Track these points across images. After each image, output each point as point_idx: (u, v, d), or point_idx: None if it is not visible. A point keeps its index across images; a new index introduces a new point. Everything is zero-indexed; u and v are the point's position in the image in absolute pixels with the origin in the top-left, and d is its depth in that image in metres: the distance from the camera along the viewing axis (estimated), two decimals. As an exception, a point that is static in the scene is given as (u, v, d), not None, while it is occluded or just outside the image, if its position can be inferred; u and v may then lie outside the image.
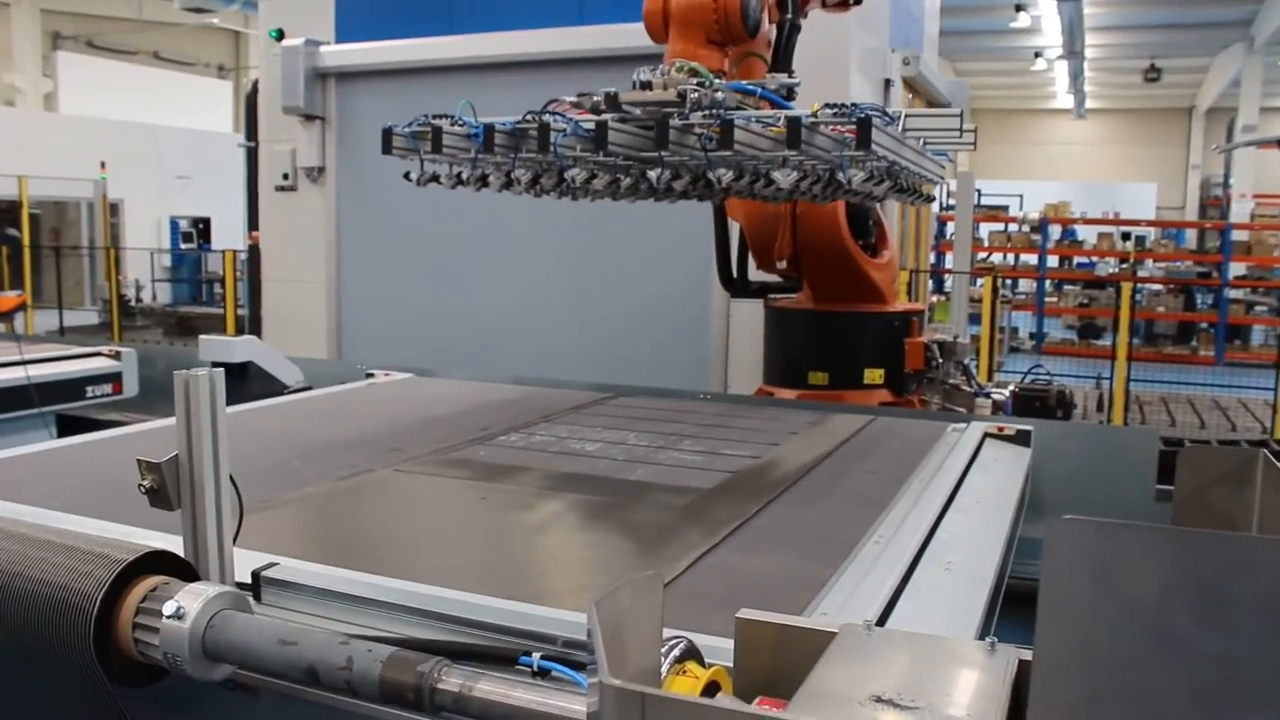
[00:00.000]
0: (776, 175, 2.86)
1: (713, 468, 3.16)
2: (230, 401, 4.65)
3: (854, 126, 2.69)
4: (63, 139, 18.54)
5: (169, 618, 1.65)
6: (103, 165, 18.14)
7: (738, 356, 6.38)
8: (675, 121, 2.79)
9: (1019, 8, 21.62)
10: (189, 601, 1.67)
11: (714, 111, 2.78)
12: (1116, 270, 20.31)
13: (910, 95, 7.51)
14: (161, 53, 26.76)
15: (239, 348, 5.09)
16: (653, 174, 2.97)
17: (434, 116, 3.15)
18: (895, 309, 4.48)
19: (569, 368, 5.94)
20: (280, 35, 8.00)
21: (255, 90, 8.63)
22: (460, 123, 3.10)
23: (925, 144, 3.35)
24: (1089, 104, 33.49)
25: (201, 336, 5.37)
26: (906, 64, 6.86)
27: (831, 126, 2.75)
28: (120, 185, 19.86)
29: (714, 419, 4.02)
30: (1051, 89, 32.86)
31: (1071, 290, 20.99)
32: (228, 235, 18.31)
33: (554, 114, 3.01)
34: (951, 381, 4.49)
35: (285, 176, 8.27)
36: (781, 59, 3.71)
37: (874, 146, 2.70)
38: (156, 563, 1.76)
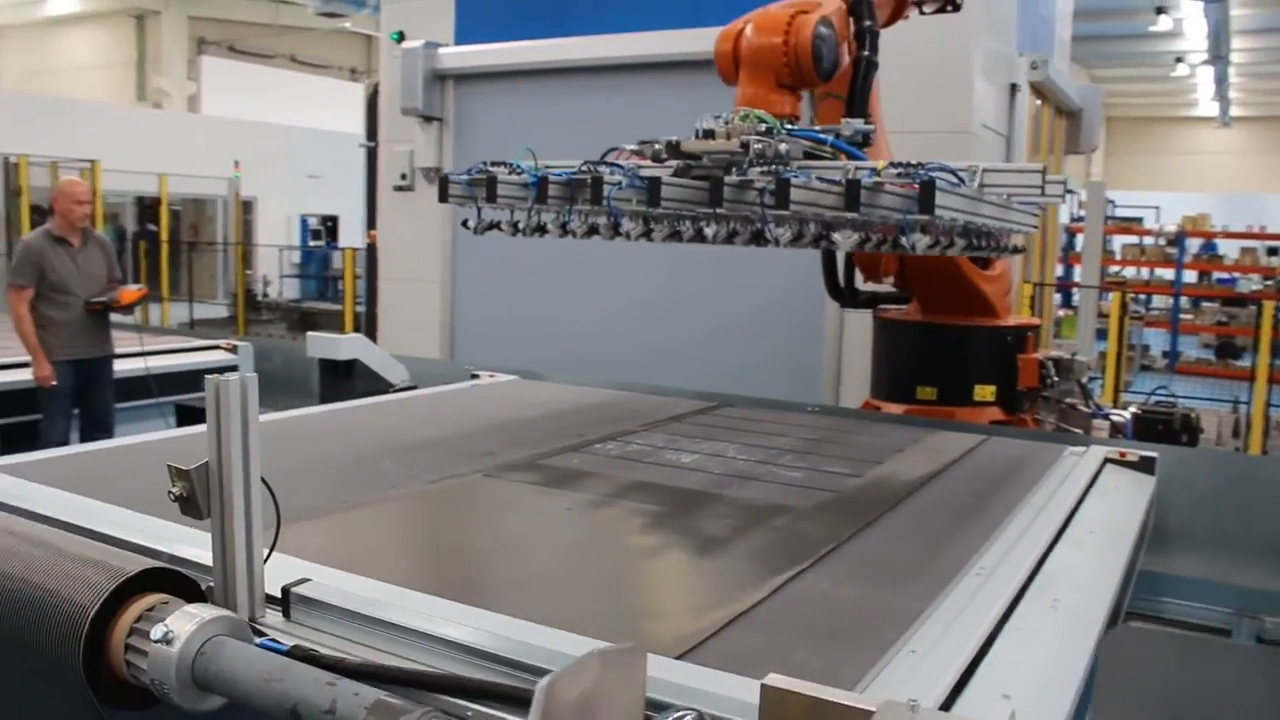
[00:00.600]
0: (837, 237, 2.73)
1: (812, 485, 3.03)
2: (334, 399, 4.77)
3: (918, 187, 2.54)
4: (202, 139, 19.29)
5: (157, 641, 1.56)
6: (236, 164, 18.79)
7: (851, 368, 6.21)
8: (730, 178, 2.69)
9: (1160, 10, 20.66)
10: (180, 625, 1.57)
11: (772, 167, 2.68)
12: (1260, 288, 19.25)
13: (1038, 101, 7.22)
14: (298, 56, 27.64)
15: (345, 345, 5.14)
16: (709, 230, 2.86)
17: (492, 164, 3.11)
18: (1008, 323, 4.28)
19: (678, 375, 5.86)
20: (401, 37, 8.12)
21: (376, 92, 8.79)
22: (518, 170, 3.05)
23: (1009, 198, 3.10)
24: (1234, 111, 31.90)
25: (310, 334, 5.45)
26: (1034, 68, 6.58)
27: (898, 185, 2.60)
28: (255, 183, 20.56)
29: (818, 433, 3.89)
30: (1193, 95, 31.37)
31: (1210, 307, 19.99)
32: (354, 233, 18.77)
33: (611, 164, 2.96)
34: (1069, 401, 4.25)
35: (403, 176, 8.40)
36: (857, 101, 3.51)
37: (938, 211, 2.55)
38: (165, 579, 1.68)
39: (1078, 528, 2.87)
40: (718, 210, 2.76)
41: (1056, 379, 4.20)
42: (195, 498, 1.64)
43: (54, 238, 5.73)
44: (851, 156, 3.12)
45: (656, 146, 2.96)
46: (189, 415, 6.17)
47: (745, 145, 2.77)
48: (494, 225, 3.19)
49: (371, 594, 1.91)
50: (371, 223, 9.11)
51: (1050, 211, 8.28)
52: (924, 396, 4.24)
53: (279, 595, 1.85)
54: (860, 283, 4.71)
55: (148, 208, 18.85)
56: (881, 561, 2.39)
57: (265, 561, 1.80)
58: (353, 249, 13.14)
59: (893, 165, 2.62)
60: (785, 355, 6.54)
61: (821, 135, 3.05)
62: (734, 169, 2.75)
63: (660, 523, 2.65)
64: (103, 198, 15.08)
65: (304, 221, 22.45)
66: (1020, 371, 4.19)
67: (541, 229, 3.08)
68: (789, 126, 3.12)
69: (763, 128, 2.92)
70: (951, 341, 4.14)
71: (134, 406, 5.94)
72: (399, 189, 8.48)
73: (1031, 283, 7.44)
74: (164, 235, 16.86)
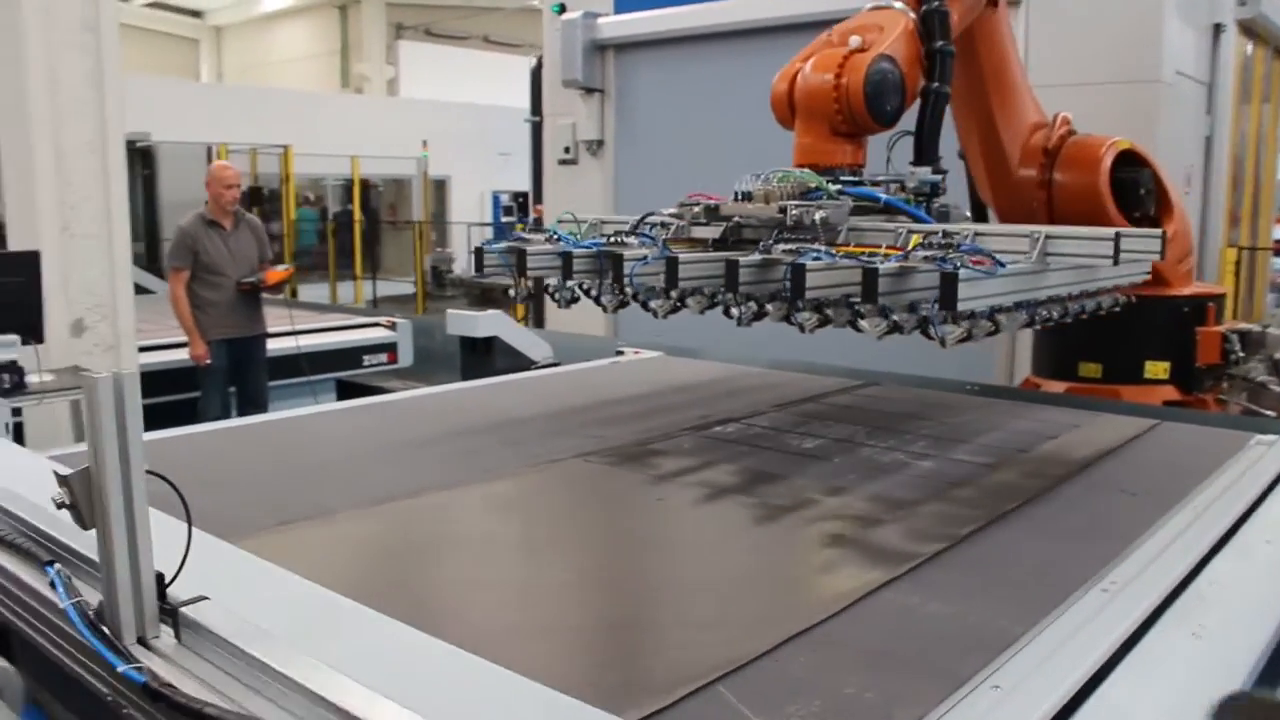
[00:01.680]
0: (864, 324, 2.45)
1: (941, 474, 2.73)
2: (472, 376, 4.73)
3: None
4: (393, 121, 19.98)
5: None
6: (424, 143, 19.35)
7: (1028, 341, 5.74)
8: (749, 257, 2.54)
9: None
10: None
11: (800, 242, 2.51)
12: None
13: (1249, 42, 6.45)
14: (491, 36, 28.27)
15: (483, 323, 5.10)
16: (735, 311, 2.67)
17: (531, 229, 3.19)
18: (1184, 292, 3.78)
19: (847, 350, 5.56)
20: (562, 9, 8.05)
21: (539, 65, 8.76)
22: (554, 238, 2.94)
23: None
24: None
25: (449, 311, 5.45)
26: (1243, 4, 5.87)
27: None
28: (448, 162, 21.17)
29: (966, 414, 3.54)
30: None
31: None
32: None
33: (642, 235, 2.81)
34: (1259, 379, 3.72)
35: (566, 150, 8.35)
36: (925, 144, 3.14)
37: (966, 303, 2.28)
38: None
39: (1250, 534, 2.44)
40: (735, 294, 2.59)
41: (1242, 355, 3.68)
42: (79, 505, 1.49)
43: (207, 221, 5.96)
44: (912, 217, 2.88)
45: (695, 209, 2.81)
46: (348, 391, 6.34)
47: (784, 210, 2.59)
48: (530, 296, 3.03)
49: (287, 618, 1.64)
50: (538, 197, 9.12)
51: (1266, 166, 7.44)
52: (1087, 374, 3.82)
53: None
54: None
55: (346, 190, 19.71)
56: (991, 571, 2.08)
57: (178, 571, 1.61)
58: (523, 224, 13.30)
59: (923, 244, 2.40)
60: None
61: (875, 194, 2.83)
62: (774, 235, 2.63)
63: (751, 518, 2.41)
64: (294, 180, 15.83)
65: (495, 198, 22.97)
66: (1199, 346, 3.70)
67: (574, 300, 2.92)
68: (847, 178, 2.92)
69: (809, 185, 2.76)
70: (1117, 313, 3.68)
71: (291, 384, 6.13)
72: (563, 162, 8.44)
73: (1239, 247, 6.68)
74: (357, 214, 17.55)
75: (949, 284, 2.25)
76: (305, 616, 1.70)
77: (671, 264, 2.58)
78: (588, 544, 2.31)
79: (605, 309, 2.85)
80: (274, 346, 6.15)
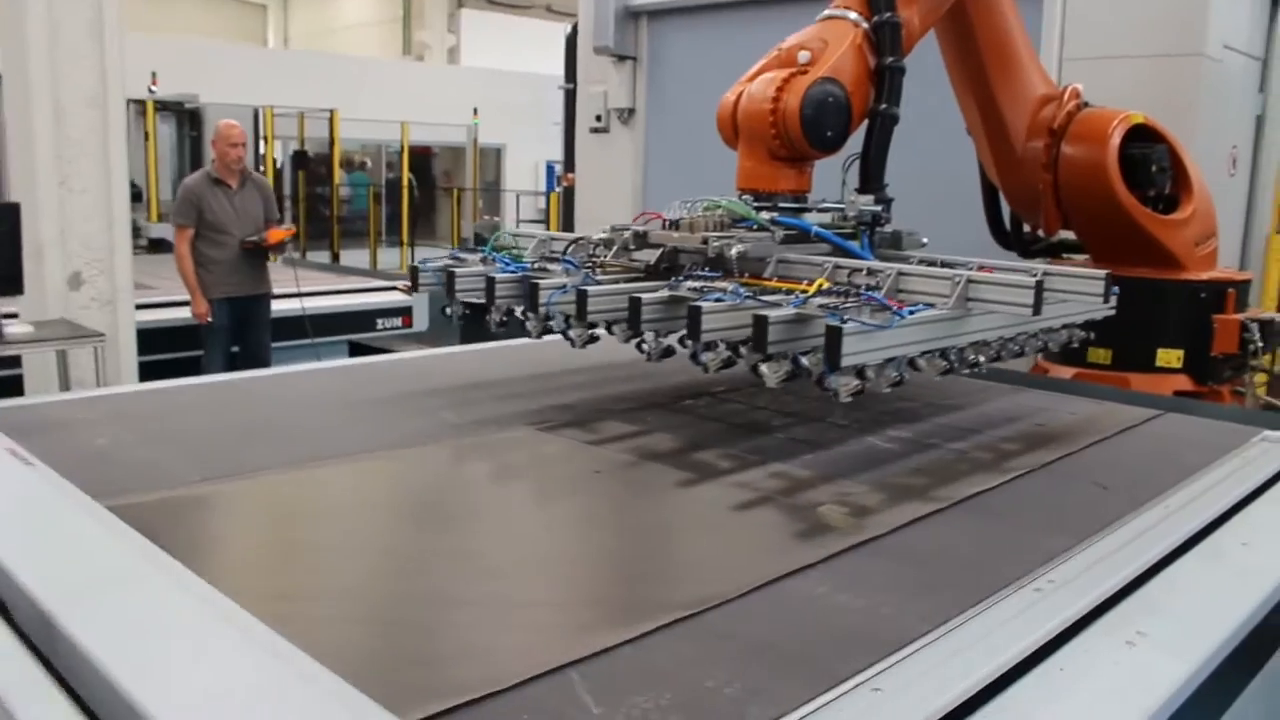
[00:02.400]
0: (764, 369, 2.30)
1: (900, 457, 2.58)
2: (471, 340, 4.63)
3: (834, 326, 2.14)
4: (450, 88, 19.98)
5: None
6: (475, 111, 19.30)
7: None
8: (652, 295, 2.47)
9: None
10: None
11: (701, 285, 2.45)
12: None
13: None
14: (553, 6, 28.13)
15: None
16: (647, 345, 2.63)
17: (469, 248, 3.00)
18: (1201, 277, 3.55)
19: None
20: (595, -27, 7.90)
21: (575, 31, 8.62)
22: (492, 259, 2.93)
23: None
24: None
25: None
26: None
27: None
28: (502, 131, 21.13)
29: (958, 396, 3.36)
30: None
31: None
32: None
33: (565, 261, 2.79)
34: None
35: (598, 118, 8.22)
36: (872, 169, 2.96)
37: (850, 358, 2.14)
38: None
39: (1227, 536, 2.26)
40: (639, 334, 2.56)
41: (1262, 345, 3.45)
42: None
43: (213, 179, 5.95)
44: (843, 251, 2.77)
45: (625, 234, 2.75)
46: (359, 354, 6.31)
47: (705, 241, 2.53)
48: (465, 314, 2.95)
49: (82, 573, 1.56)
50: (569, 165, 9.00)
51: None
52: (1096, 359, 3.61)
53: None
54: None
55: (409, 155, 19.78)
56: (921, 563, 1.92)
57: None
58: (558, 191, 13.21)
59: (824, 291, 2.29)
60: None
61: (806, 225, 2.74)
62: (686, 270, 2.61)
63: (668, 493, 2.29)
64: (340, 145, 15.87)
65: (550, 167, 22.91)
66: (1215, 334, 3.48)
67: (503, 324, 2.84)
68: (787, 204, 2.85)
69: (737, 215, 2.71)
70: (1127, 296, 3.47)
71: (301, 345, 6.11)
72: (594, 131, 8.32)
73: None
74: (405, 180, 17.58)
75: (833, 339, 2.11)
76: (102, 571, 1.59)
77: (581, 295, 2.54)
78: (488, 515, 2.20)
79: (531, 334, 2.78)
80: (285, 308, 6.15)
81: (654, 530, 2.14)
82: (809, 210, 2.93)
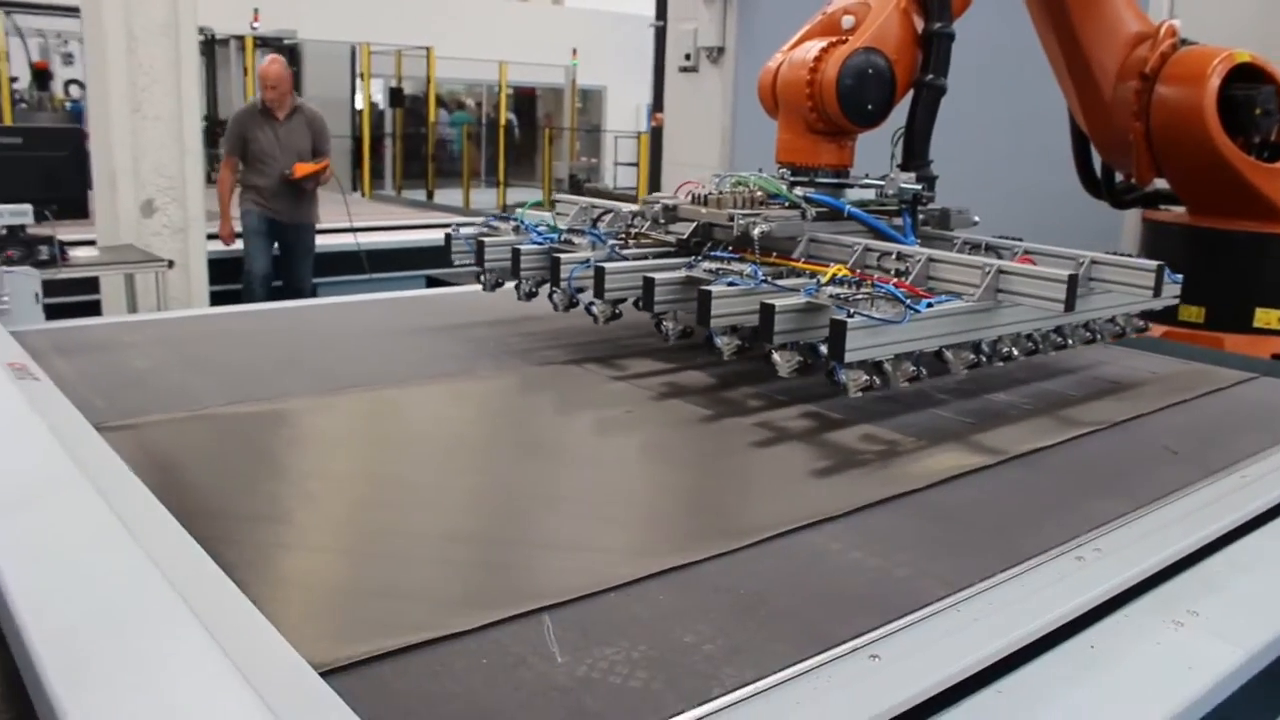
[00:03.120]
0: (776, 357, 2.17)
1: (958, 411, 2.41)
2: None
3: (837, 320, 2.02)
4: (549, 28, 19.83)
5: None
6: (574, 52, 19.13)
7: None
8: (668, 275, 2.40)
9: None
10: None
11: (717, 268, 2.35)
12: None
13: None
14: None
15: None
16: (666, 324, 2.56)
17: (499, 217, 3.04)
18: (1309, 231, 3.26)
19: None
20: (689, -94, 7.66)
21: (666, -34, 8.40)
22: (524, 227, 2.89)
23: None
24: None
25: (519, 210, 5.26)
26: None
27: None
28: (604, 73, 20.95)
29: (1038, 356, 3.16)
30: None
31: None
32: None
33: (592, 233, 2.71)
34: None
35: (687, 57, 8.03)
36: (916, 144, 2.80)
37: (854, 353, 2.00)
38: None
39: (1307, 511, 2.06)
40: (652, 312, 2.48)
41: (1375, 308, 3.16)
42: None
43: (260, 110, 6.10)
44: (876, 231, 2.65)
45: (656, 208, 2.66)
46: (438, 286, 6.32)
47: (731, 219, 2.44)
48: (499, 284, 2.92)
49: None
50: (658, 105, 8.83)
51: None
52: (1187, 318, 3.36)
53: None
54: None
55: (510, 98, 19.77)
56: (953, 523, 1.77)
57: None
58: (645, 133, 13.03)
59: (840, 280, 2.13)
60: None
61: (839, 204, 2.62)
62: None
63: (690, 433, 2.17)
64: (436, 84, 15.88)
65: (649, 109, 22.68)
66: (1323, 295, 3.19)
67: (532, 294, 2.80)
68: (826, 179, 2.74)
69: (759, 196, 2.60)
70: (1226, 251, 3.21)
71: (386, 278, 6.12)
72: (683, 70, 8.13)
73: None
74: (502, 120, 17.56)
75: (837, 333, 1.97)
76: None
77: (599, 272, 2.46)
78: (495, 452, 2.10)
79: (555, 307, 2.72)
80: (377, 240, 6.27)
81: (669, 474, 2.02)
82: (849, 186, 2.79)
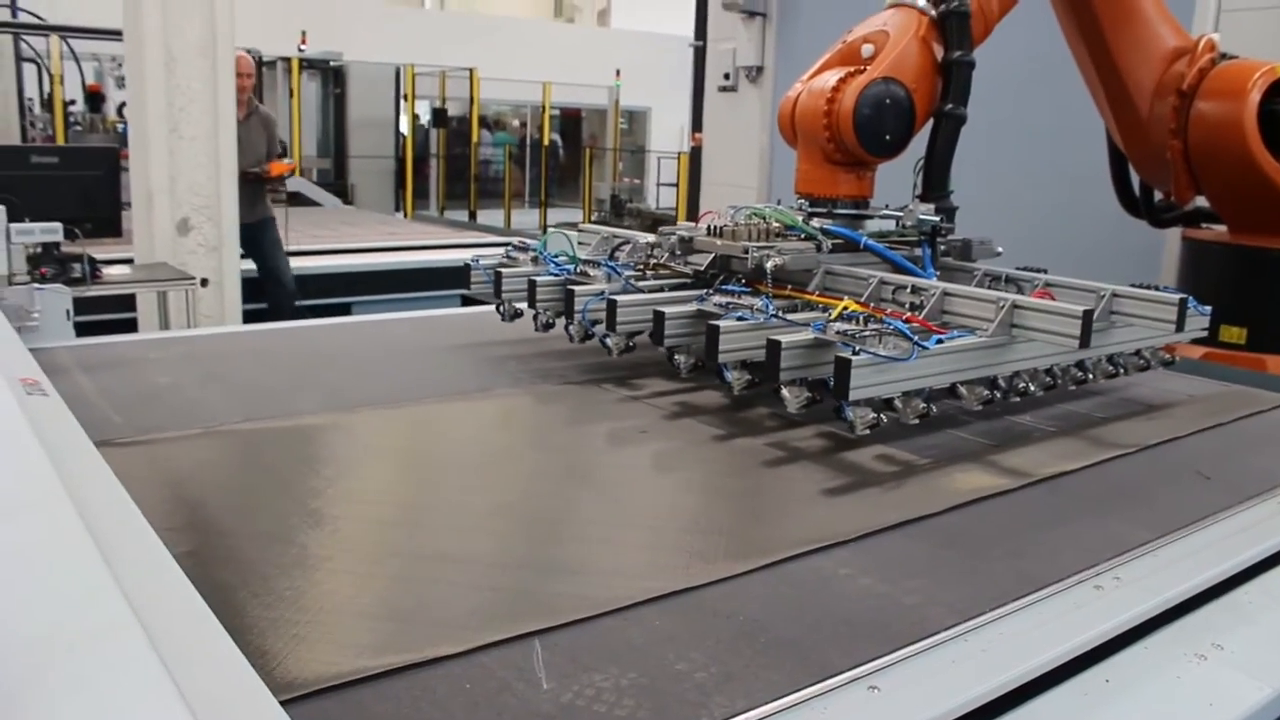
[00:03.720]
0: (785, 393, 2.16)
1: (977, 425, 2.35)
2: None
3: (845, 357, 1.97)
4: (592, 50, 19.96)
5: None
6: (617, 73, 19.21)
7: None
8: (677, 309, 2.39)
9: None
10: None
11: (727, 301, 2.32)
12: None
13: None
14: (705, -32, 27.79)
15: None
16: (678, 358, 2.53)
17: (517, 246, 3.05)
18: (1355, 249, 3.15)
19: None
20: (727, -74, 7.67)
21: (705, -14, 8.41)
22: (542, 258, 2.89)
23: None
24: None
25: (551, 230, 5.27)
26: None
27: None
28: (647, 94, 21.02)
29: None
30: None
31: None
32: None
33: (608, 265, 2.70)
34: None
35: (726, 76, 8.02)
36: (935, 175, 2.75)
37: (856, 390, 1.97)
38: None
39: (1348, 540, 1.97)
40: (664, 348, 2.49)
41: None
42: None
43: None
44: (891, 264, 2.61)
45: (673, 239, 2.64)
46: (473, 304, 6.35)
47: (746, 251, 2.42)
48: (518, 314, 2.93)
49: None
50: (697, 125, 8.82)
51: None
52: (1228, 339, 3.26)
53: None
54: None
55: (555, 118, 19.91)
56: (968, 546, 1.71)
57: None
58: (685, 153, 13.05)
59: (847, 315, 2.09)
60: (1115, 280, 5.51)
61: (856, 235, 2.58)
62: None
63: (702, 451, 2.13)
64: (480, 105, 16.00)
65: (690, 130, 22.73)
66: (1372, 315, 3.09)
67: (549, 325, 2.82)
68: (845, 210, 2.71)
69: (776, 227, 2.57)
70: (1266, 270, 3.13)
71: (416, 297, 6.17)
72: (722, 90, 8.12)
73: None
74: (545, 140, 17.65)
75: (842, 371, 1.94)
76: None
77: (611, 305, 2.46)
78: (503, 472, 2.07)
79: (571, 339, 2.72)
80: (393, 260, 6.27)
81: (677, 495, 1.98)
82: (868, 218, 2.75)
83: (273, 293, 6.20)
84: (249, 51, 6.65)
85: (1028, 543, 1.74)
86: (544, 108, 17.65)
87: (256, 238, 6.34)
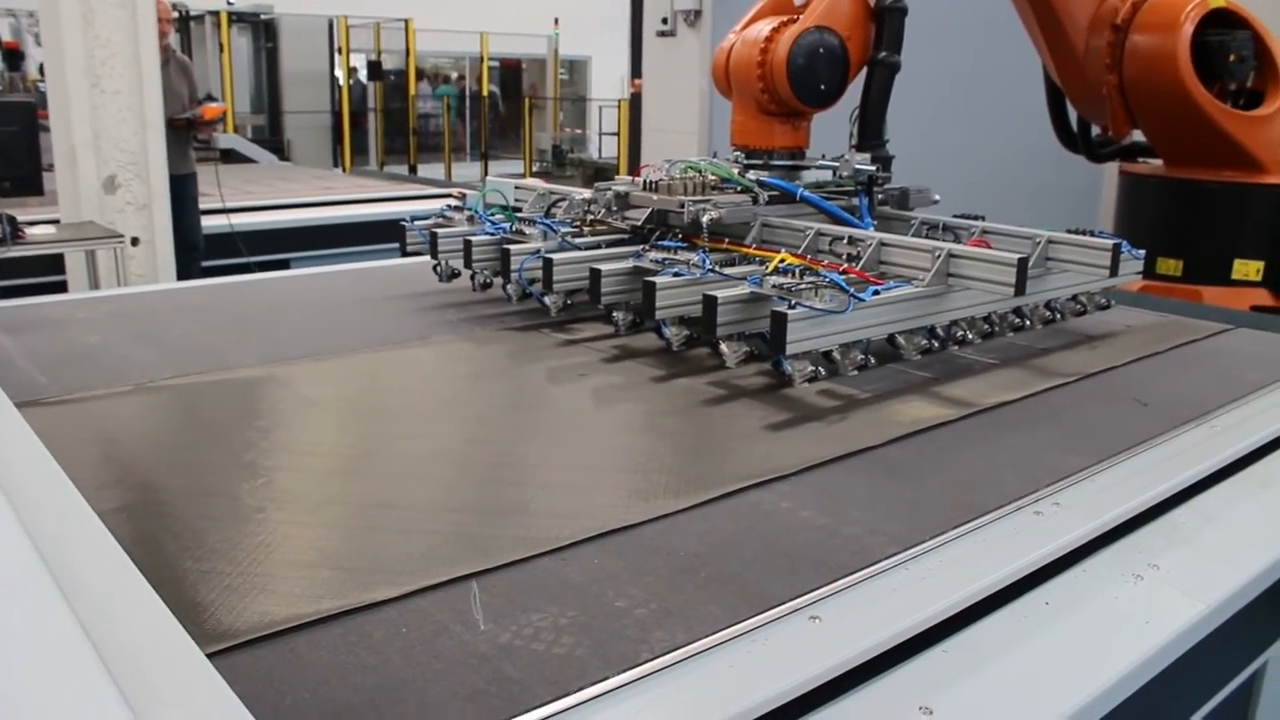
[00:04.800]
0: (724, 348, 2.16)
1: (919, 360, 2.35)
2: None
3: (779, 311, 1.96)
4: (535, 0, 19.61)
5: None
6: (555, 21, 18.92)
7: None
8: (612, 266, 2.35)
9: None
10: None
11: (663, 258, 2.29)
12: None
13: None
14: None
15: (510, 192, 4.81)
16: (616, 314, 2.50)
17: (453, 206, 2.97)
18: (1284, 180, 3.19)
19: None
20: None
21: (642, -70, 8.28)
22: (478, 216, 2.85)
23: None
24: None
25: (489, 179, 5.18)
26: None
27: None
28: (587, 42, 20.74)
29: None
30: None
31: None
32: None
33: (543, 222, 2.64)
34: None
35: (664, 21, 7.92)
36: (870, 124, 2.72)
37: (797, 344, 1.96)
38: None
39: (1277, 462, 2.01)
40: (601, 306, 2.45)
41: (1354, 256, 3.10)
42: None
43: None
44: (829, 215, 2.57)
45: (609, 194, 2.60)
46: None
47: (682, 205, 2.39)
48: (455, 274, 2.90)
49: None
50: (636, 71, 8.73)
51: None
52: (1165, 271, 3.31)
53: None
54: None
55: (495, 69, 19.58)
56: (909, 477, 1.71)
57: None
58: (624, 100, 12.93)
59: (783, 268, 2.07)
60: (1060, 216, 5.56)
61: (792, 187, 2.55)
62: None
63: (648, 390, 2.11)
64: (417, 57, 15.69)
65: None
66: (1302, 244, 3.13)
67: (486, 285, 2.83)
68: (782, 162, 2.69)
69: (713, 179, 2.55)
70: (1203, 202, 3.15)
71: (353, 252, 6.04)
72: (660, 35, 8.03)
73: None
74: (484, 92, 17.38)
75: (778, 325, 1.93)
76: None
77: (547, 263, 2.44)
78: (440, 418, 2.04)
79: (509, 298, 2.70)
80: (331, 215, 6.13)
81: (616, 435, 1.96)
82: (804, 168, 2.73)
83: (184, 259, 5.95)
84: (167, 1, 6.41)
85: (969, 472, 1.74)
86: (482, 58, 17.34)
87: (180, 193, 6.04)
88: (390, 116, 16.51)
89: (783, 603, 1.26)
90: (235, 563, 1.36)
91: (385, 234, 6.26)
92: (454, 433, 1.93)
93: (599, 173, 15.41)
